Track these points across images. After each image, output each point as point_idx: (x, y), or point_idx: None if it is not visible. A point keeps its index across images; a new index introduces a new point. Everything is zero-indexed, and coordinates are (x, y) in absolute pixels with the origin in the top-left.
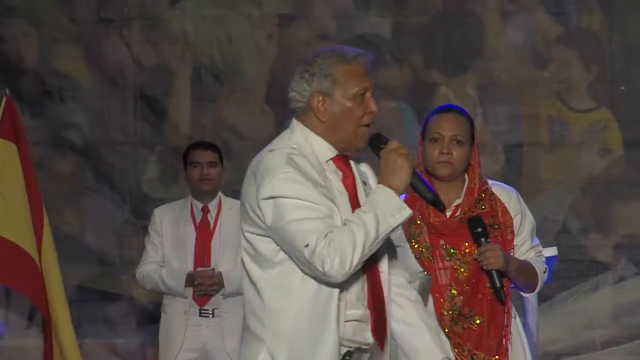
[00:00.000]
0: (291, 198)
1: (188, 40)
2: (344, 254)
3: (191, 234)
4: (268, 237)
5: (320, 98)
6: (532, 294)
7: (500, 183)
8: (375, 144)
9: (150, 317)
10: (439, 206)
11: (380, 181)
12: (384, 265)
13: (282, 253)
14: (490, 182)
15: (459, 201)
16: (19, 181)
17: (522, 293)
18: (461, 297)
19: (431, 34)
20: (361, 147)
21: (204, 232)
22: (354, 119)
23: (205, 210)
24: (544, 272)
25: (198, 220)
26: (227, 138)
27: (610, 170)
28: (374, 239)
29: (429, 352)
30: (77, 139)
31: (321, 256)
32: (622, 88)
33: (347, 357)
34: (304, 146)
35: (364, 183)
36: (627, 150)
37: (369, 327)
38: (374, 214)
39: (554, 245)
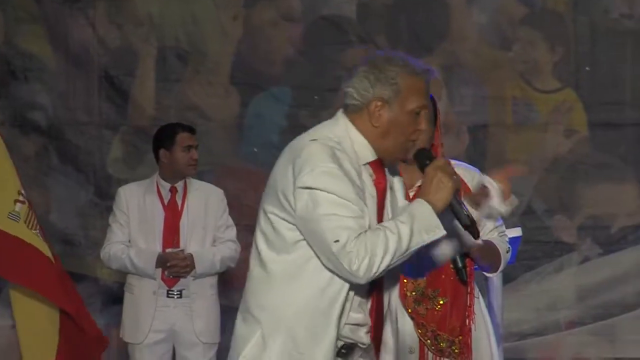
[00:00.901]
0: (329, 192)
1: (153, 21)
2: (374, 257)
3: (159, 214)
4: (293, 224)
5: (379, 104)
6: (495, 274)
7: (463, 163)
8: (421, 158)
9: (115, 297)
10: (474, 233)
11: (420, 195)
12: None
13: (302, 242)
14: (453, 162)
15: (421, 182)
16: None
17: (485, 273)
18: (424, 278)
19: (396, 15)
20: (403, 159)
21: (173, 213)
22: (404, 132)
23: (173, 191)
24: (507, 252)
25: (166, 201)
26: (192, 119)
27: (575, 151)
28: (404, 250)
29: None
30: (41, 119)
31: (350, 255)
32: (587, 69)
33: (343, 351)
34: (345, 142)
35: (390, 188)
36: (592, 131)
37: (365, 330)
38: (410, 226)
39: (519, 226)
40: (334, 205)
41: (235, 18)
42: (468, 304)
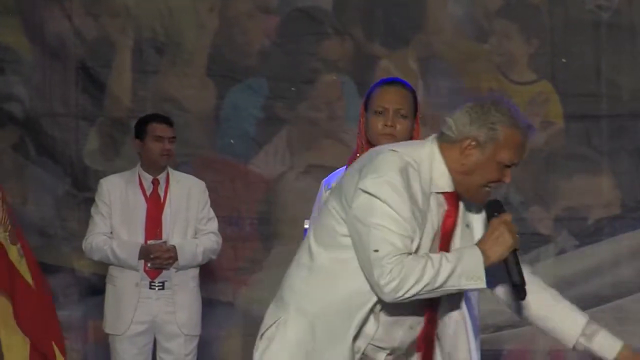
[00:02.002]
0: (386, 204)
1: (129, 12)
2: (404, 281)
3: (142, 206)
4: (344, 220)
5: (473, 144)
6: None
7: None
8: (491, 209)
9: (92, 288)
10: (521, 294)
11: (479, 243)
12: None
13: (349, 241)
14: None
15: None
16: None
17: None
18: None
19: (372, 6)
20: (475, 201)
21: (155, 205)
22: (487, 178)
23: (155, 183)
24: None
25: (148, 193)
26: (168, 110)
27: (551, 143)
28: (438, 286)
29: (571, 319)
30: (18, 111)
31: (384, 269)
32: (563, 60)
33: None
34: (424, 166)
35: (467, 226)
36: (568, 123)
37: (385, 354)
38: (453, 267)
39: None
40: (387, 217)
41: (212, 10)
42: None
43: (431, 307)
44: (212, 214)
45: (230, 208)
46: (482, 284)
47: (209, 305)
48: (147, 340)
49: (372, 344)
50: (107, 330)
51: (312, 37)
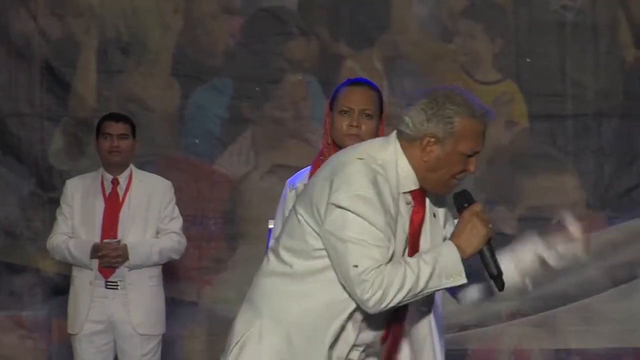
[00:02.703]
0: (361, 217)
1: (94, 12)
2: (387, 291)
3: (100, 206)
4: (318, 234)
5: (432, 140)
6: None
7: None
8: (460, 200)
9: (56, 288)
10: (500, 285)
11: (452, 237)
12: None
13: (323, 252)
14: None
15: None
16: None
17: None
18: None
19: (337, 6)
20: (443, 195)
21: (113, 204)
22: (451, 171)
23: (115, 183)
24: None
25: (107, 192)
26: (133, 110)
27: (516, 143)
28: (420, 290)
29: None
30: None
31: (365, 283)
32: (528, 60)
33: None
34: (390, 167)
35: (434, 215)
36: (533, 123)
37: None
38: (431, 268)
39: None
40: (363, 230)
41: (176, 10)
42: None
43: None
44: (176, 213)
45: (195, 208)
46: (462, 279)
47: (172, 304)
48: (107, 339)
49: (357, 346)
50: (67, 330)
51: (277, 37)
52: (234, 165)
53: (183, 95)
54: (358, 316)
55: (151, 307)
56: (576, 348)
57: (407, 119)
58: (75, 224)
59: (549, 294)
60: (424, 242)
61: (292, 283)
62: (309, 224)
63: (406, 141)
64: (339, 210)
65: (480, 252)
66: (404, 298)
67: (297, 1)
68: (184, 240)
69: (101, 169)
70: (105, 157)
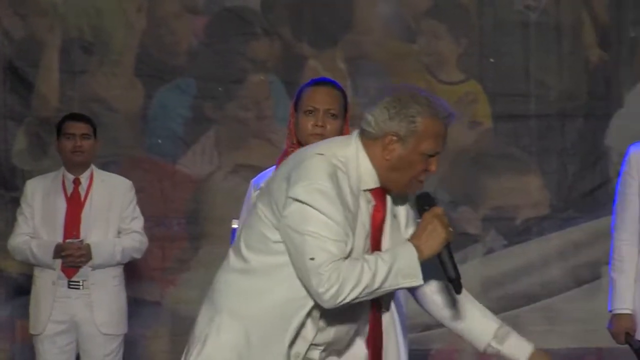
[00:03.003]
0: (319, 211)
1: (57, 12)
2: (343, 286)
3: (62, 206)
4: (277, 229)
5: (394, 139)
6: None
7: None
8: (421, 202)
9: (19, 289)
10: (457, 288)
11: (412, 239)
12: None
13: (282, 247)
14: None
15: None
16: None
17: None
18: None
19: (300, 6)
20: (405, 195)
21: (75, 204)
22: (412, 172)
23: (76, 183)
24: None
25: (69, 192)
26: (96, 110)
27: (479, 143)
28: (376, 288)
29: (483, 325)
30: None
31: (321, 277)
32: (491, 60)
33: None
34: (351, 164)
35: (394, 216)
36: (496, 123)
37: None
38: (389, 267)
39: None
40: (320, 224)
41: (139, 10)
42: None
43: (374, 306)
44: (137, 213)
45: (158, 208)
46: (418, 281)
47: (135, 304)
48: (69, 340)
49: (315, 345)
50: (30, 331)
51: (240, 37)
52: (197, 165)
53: (146, 95)
54: (317, 314)
55: (114, 306)
56: (539, 348)
57: (369, 117)
58: (36, 224)
59: (512, 294)
60: (385, 241)
61: (250, 279)
62: (268, 219)
63: (368, 139)
64: (297, 203)
65: (439, 255)
66: (359, 294)
67: (260, 1)
68: (145, 240)
69: (62, 169)
70: (68, 157)
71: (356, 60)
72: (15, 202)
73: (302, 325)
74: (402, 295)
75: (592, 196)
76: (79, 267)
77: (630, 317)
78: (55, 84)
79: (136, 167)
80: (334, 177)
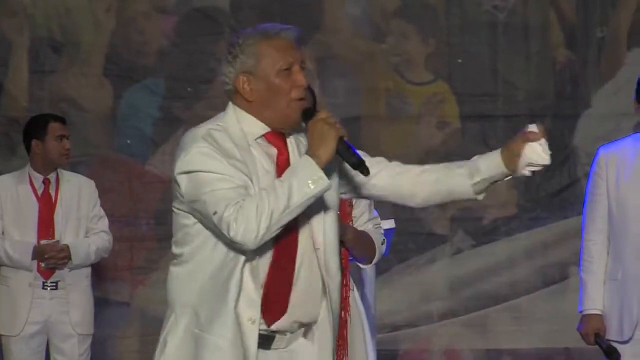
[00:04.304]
0: (204, 172)
1: (26, 12)
2: (250, 220)
3: (34, 206)
4: (188, 213)
5: (245, 79)
6: (370, 266)
7: None
8: (305, 118)
9: None
10: (364, 171)
11: (307, 151)
12: (319, 239)
13: (198, 226)
14: None
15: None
16: None
17: (360, 265)
18: None
19: (270, 6)
20: (295, 122)
21: (47, 205)
22: (282, 94)
23: (46, 183)
24: (382, 244)
25: (40, 193)
26: (66, 110)
27: (448, 143)
28: (284, 208)
29: (452, 178)
30: None
31: (228, 222)
32: (460, 61)
33: (260, 340)
34: (232, 126)
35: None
36: (465, 123)
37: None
38: (289, 184)
39: (392, 218)
40: (212, 182)
41: (109, 10)
42: (344, 296)
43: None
44: (102, 212)
45: (128, 208)
46: (325, 182)
47: (104, 305)
48: (41, 341)
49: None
50: (0, 332)
51: (209, 38)
52: (166, 165)
53: (116, 95)
54: (251, 267)
55: (87, 307)
56: (507, 348)
57: (223, 78)
58: (6, 224)
59: (481, 294)
60: None
61: (184, 267)
62: (179, 209)
63: (233, 97)
64: (183, 177)
65: (338, 152)
66: (271, 221)
67: (230, 1)
68: (112, 239)
69: (27, 169)
70: (55, 159)
71: (325, 61)
72: None
73: (241, 282)
74: (370, 296)
75: (560, 196)
76: (60, 269)
77: (600, 317)
78: (25, 84)
79: (106, 167)
80: (208, 137)
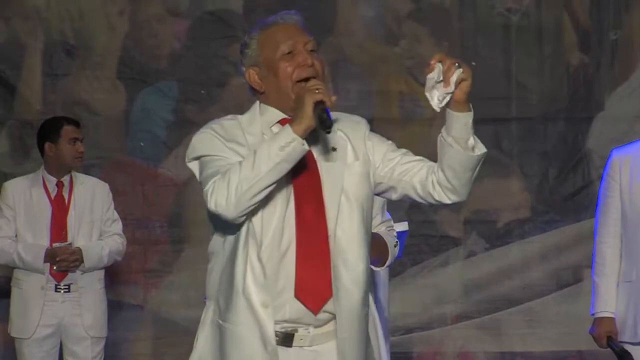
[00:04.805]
0: (203, 156)
1: (40, 15)
2: (221, 191)
3: (46, 209)
4: None
5: (252, 71)
6: (383, 268)
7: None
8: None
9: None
10: (327, 128)
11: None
12: (330, 226)
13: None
14: None
15: None
16: None
17: (373, 267)
18: None
19: (282, 9)
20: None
21: (60, 207)
22: (285, 77)
23: (59, 185)
24: (395, 246)
25: (53, 195)
26: (79, 113)
27: None
28: (253, 175)
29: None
30: None
31: (206, 195)
32: (473, 64)
33: (276, 338)
34: (250, 117)
35: (334, 149)
36: (478, 126)
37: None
38: (259, 151)
39: (405, 221)
40: (208, 164)
41: (122, 13)
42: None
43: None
44: (116, 215)
45: (141, 211)
46: (297, 144)
47: (117, 307)
48: (54, 343)
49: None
50: (13, 334)
51: (222, 40)
52: (179, 168)
53: (129, 98)
54: (255, 252)
55: (100, 309)
56: (521, 351)
57: (244, 79)
58: (19, 227)
59: (494, 297)
60: (321, 173)
61: (211, 261)
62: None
63: (255, 94)
64: (192, 164)
65: (318, 117)
66: (242, 188)
67: (242, 4)
68: (125, 242)
69: (41, 171)
70: (69, 162)
71: (338, 63)
72: None
73: (246, 264)
74: (384, 298)
75: (574, 199)
76: (72, 271)
77: (612, 320)
78: (38, 87)
79: (118, 170)
80: (214, 124)
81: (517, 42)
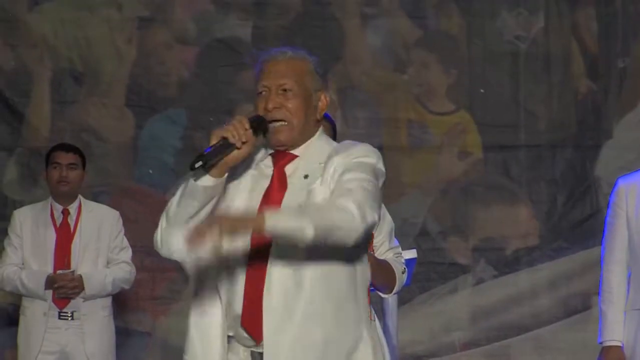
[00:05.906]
0: None
1: (47, 43)
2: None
3: (51, 236)
4: None
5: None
6: (390, 295)
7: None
8: (259, 127)
9: (8, 319)
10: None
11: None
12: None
13: None
14: None
15: None
16: None
17: (380, 294)
18: None
19: (291, 37)
20: (269, 141)
21: (64, 235)
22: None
23: (65, 213)
24: (403, 273)
25: (58, 223)
26: (87, 140)
27: (469, 174)
28: (177, 198)
29: None
30: None
31: None
32: (482, 91)
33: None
34: (259, 150)
35: (305, 176)
36: (486, 153)
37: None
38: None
39: (414, 248)
40: None
41: (130, 40)
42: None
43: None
44: (125, 243)
45: (149, 238)
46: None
47: (126, 334)
48: None
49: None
50: None
51: (230, 68)
52: None
53: (137, 125)
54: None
55: (104, 337)
56: None
57: None
58: (25, 255)
59: (503, 324)
60: (287, 199)
61: None
62: None
63: None
64: None
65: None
66: (164, 221)
67: (251, 32)
68: (134, 270)
69: (50, 199)
70: (54, 187)
71: (346, 91)
72: (5, 233)
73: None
74: (392, 326)
75: (582, 226)
76: (72, 298)
77: (619, 349)
78: (46, 114)
79: (127, 197)
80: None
81: (526, 70)
